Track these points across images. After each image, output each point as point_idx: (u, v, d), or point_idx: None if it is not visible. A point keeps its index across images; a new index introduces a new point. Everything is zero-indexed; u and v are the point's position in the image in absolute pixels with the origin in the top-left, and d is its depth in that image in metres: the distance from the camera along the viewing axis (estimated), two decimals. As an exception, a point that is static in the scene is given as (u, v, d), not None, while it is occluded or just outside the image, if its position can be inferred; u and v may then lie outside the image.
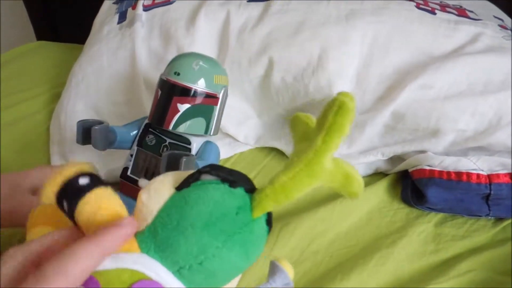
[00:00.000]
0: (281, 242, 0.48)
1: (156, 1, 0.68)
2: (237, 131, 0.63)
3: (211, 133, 0.51)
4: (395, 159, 0.58)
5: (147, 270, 0.25)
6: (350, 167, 0.28)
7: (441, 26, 0.57)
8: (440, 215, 0.53)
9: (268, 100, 0.62)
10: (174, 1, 0.67)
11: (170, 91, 0.48)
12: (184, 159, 0.42)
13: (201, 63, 0.48)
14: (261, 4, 0.63)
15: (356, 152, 0.58)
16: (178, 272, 0.26)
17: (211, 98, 0.49)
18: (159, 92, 0.49)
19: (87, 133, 0.47)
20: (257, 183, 0.61)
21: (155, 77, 0.60)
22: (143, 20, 0.67)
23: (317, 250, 0.49)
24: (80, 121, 0.48)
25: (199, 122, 0.49)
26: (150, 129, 0.51)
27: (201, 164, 0.47)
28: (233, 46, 0.61)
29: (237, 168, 0.60)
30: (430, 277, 0.45)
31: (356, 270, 0.45)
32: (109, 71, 0.65)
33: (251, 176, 0.59)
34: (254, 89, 0.62)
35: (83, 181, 0.26)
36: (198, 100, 0.48)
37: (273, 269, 0.29)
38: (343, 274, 0.45)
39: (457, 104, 0.52)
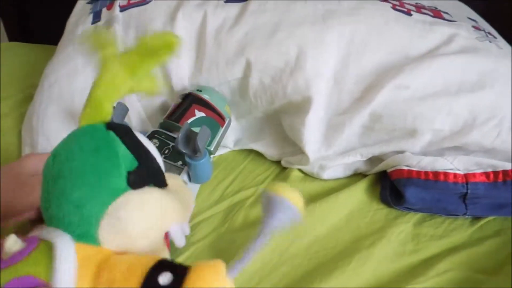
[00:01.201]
0: (260, 245, 0.48)
1: (131, 1, 0.67)
2: None
3: (212, 148, 0.56)
4: (374, 160, 0.58)
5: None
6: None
7: (416, 27, 0.58)
8: (419, 215, 0.53)
9: (246, 102, 0.61)
10: (150, 1, 0.65)
11: (191, 100, 0.57)
12: (200, 130, 0.47)
13: (217, 89, 0.60)
14: (239, 4, 0.62)
15: (334, 153, 0.57)
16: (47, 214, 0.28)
17: (220, 118, 0.58)
18: (179, 100, 0.58)
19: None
20: (236, 185, 0.61)
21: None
22: (120, 22, 0.65)
23: (296, 253, 0.48)
24: (118, 103, 0.50)
25: None
26: (155, 135, 0.55)
27: (191, 174, 0.50)
28: (210, 47, 0.60)
29: (216, 170, 0.60)
30: (410, 277, 0.45)
31: (335, 272, 0.45)
32: (84, 73, 0.63)
33: (230, 178, 0.60)
34: (232, 91, 0.61)
35: (164, 280, 0.26)
36: (212, 114, 0.57)
37: (269, 202, 0.29)
38: (322, 276, 0.45)
39: (432, 104, 0.52)
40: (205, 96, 0.58)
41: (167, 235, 0.33)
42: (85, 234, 0.27)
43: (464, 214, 0.52)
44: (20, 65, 0.87)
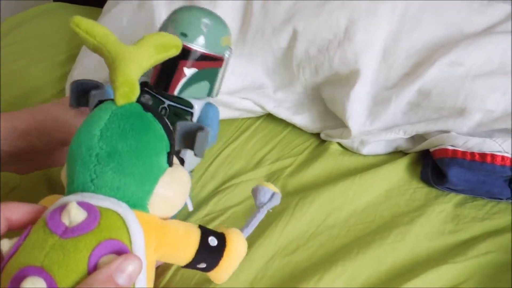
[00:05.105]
0: (298, 214, 0.48)
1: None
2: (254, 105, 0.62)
3: (214, 96, 0.49)
4: (416, 139, 0.57)
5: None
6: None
7: (474, 2, 0.55)
8: (460, 196, 0.52)
9: (288, 73, 0.60)
10: None
11: (176, 57, 0.39)
12: (200, 132, 0.34)
13: (209, 23, 0.45)
14: None
15: (378, 128, 0.56)
16: (93, 184, 0.28)
17: (217, 61, 0.47)
18: None
19: (82, 96, 0.37)
20: (275, 154, 0.60)
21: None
22: None
23: (334, 224, 0.48)
24: (74, 82, 0.37)
25: (204, 85, 0.47)
26: (145, 89, 0.47)
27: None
28: (257, 14, 0.59)
29: (254, 140, 0.60)
30: (449, 256, 0.44)
31: (373, 245, 0.45)
32: (129, 31, 0.64)
33: (269, 146, 0.60)
34: (275, 60, 0.60)
35: (213, 242, 0.31)
36: (205, 64, 0.45)
37: (254, 193, 0.35)
38: (359, 248, 0.45)
39: (487, 83, 0.50)
40: (192, 45, 0.44)
41: None
42: (138, 203, 0.29)
43: (508, 198, 0.51)
44: (64, 26, 0.88)
